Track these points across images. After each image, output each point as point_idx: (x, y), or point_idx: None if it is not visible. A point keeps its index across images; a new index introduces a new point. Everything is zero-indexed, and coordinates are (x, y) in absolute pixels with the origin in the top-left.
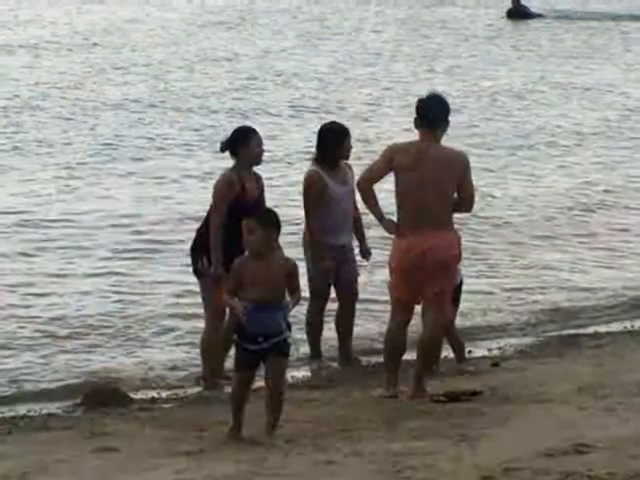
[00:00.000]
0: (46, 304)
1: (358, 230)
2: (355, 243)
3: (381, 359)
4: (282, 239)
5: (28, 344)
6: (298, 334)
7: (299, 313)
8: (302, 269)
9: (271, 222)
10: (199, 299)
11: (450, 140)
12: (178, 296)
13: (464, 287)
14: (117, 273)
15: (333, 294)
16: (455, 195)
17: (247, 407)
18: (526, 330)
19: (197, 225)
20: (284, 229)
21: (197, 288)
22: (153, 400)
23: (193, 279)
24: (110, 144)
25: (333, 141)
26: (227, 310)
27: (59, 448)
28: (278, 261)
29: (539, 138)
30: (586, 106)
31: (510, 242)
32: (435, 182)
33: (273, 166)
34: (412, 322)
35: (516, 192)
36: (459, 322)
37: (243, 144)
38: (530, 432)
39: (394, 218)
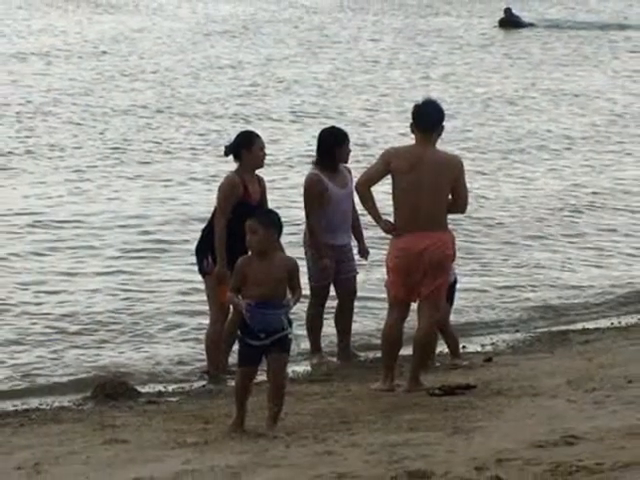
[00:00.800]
0: (57, 301)
1: (357, 230)
2: (354, 243)
3: (379, 354)
4: (283, 239)
5: (40, 340)
6: (299, 330)
7: (300, 310)
8: (303, 268)
9: (272, 222)
10: (204, 297)
11: (444, 144)
12: (184, 294)
13: (458, 285)
14: (125, 272)
15: (332, 292)
16: (450, 197)
17: (250, 400)
18: (518, 326)
19: (202, 226)
20: (285, 229)
21: (202, 286)
22: (160, 393)
23: (198, 277)
24: (119, 148)
25: (333, 145)
26: (231, 307)
27: (70, 440)
28: (280, 260)
29: (530, 142)
30: (575, 111)
31: (502, 242)
32: (431, 184)
33: (275, 169)
34: (408, 319)
35: (508, 194)
36: (454, 319)
37: (246, 148)
38: (522, 424)
39: (391, 219)
